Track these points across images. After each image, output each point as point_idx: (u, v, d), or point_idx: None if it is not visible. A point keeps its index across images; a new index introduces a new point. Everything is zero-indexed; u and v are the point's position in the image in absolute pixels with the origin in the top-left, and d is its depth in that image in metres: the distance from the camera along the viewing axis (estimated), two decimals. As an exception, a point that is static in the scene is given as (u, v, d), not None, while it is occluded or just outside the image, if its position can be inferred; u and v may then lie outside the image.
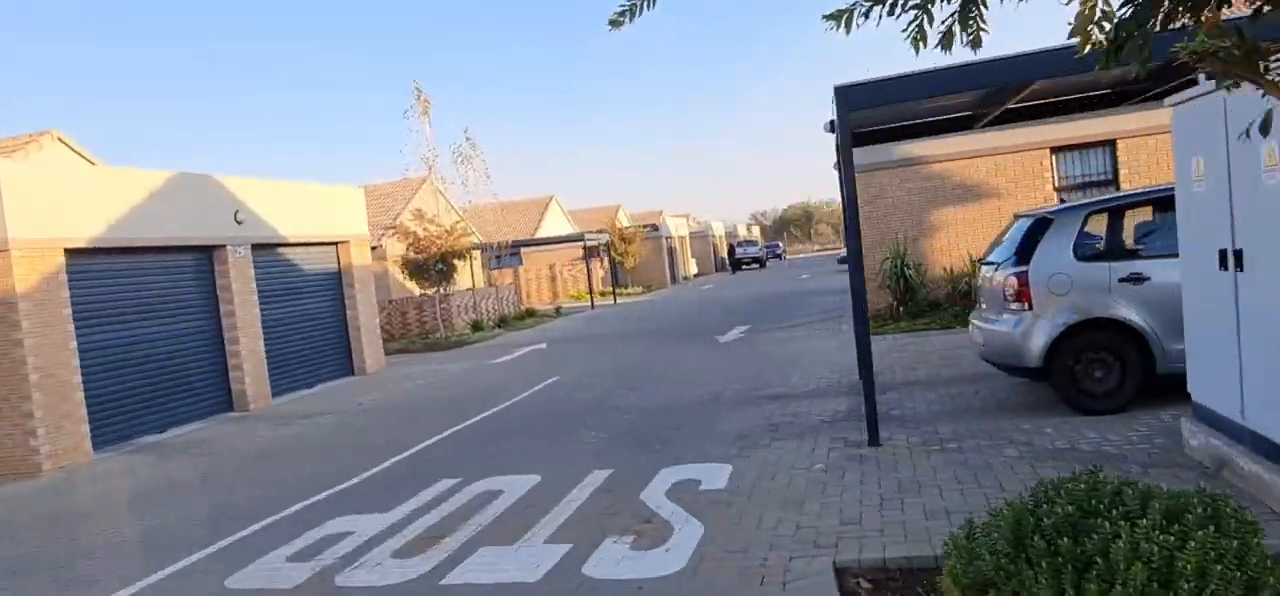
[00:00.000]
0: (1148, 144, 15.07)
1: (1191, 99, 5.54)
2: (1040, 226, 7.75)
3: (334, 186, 17.48)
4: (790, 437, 7.90)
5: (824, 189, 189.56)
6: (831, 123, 8.57)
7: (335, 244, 17.32)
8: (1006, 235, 8.91)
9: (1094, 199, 7.87)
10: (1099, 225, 7.52)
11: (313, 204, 16.61)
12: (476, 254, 30.38)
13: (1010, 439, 6.91)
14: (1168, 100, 5.79)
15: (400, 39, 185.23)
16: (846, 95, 7.06)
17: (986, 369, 9.99)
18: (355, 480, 8.31)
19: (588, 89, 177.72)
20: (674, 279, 49.80)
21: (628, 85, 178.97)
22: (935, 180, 15.93)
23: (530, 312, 30.50)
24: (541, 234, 45.66)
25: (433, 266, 23.35)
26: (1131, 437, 6.53)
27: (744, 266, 62.53)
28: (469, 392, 13.40)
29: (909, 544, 4.93)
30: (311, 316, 16.54)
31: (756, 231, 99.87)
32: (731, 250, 60.92)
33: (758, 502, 6.09)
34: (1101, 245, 7.46)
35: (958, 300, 15.08)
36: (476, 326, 26.02)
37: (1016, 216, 9.07)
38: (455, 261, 24.03)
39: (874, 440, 7.25)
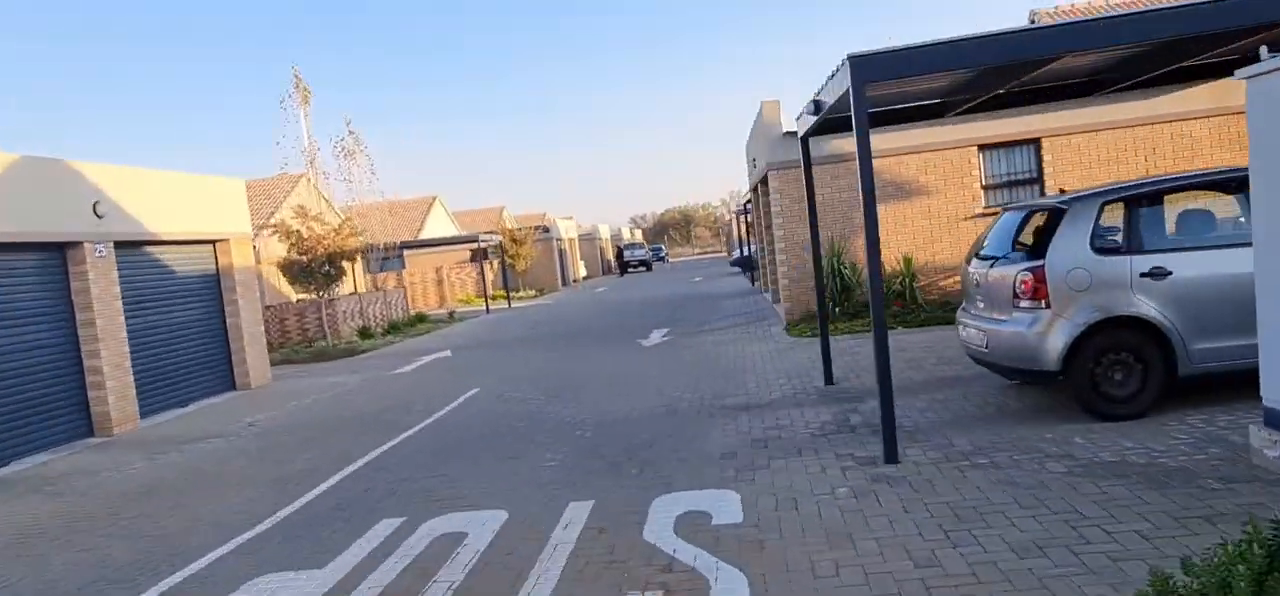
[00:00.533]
0: (1072, 142, 15.10)
1: (1272, 71, 4.96)
2: (1053, 217, 7.14)
3: (211, 177, 15.45)
4: (786, 455, 6.98)
5: (702, 193, 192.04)
6: (817, 103, 7.73)
7: (213, 242, 15.30)
8: (994, 229, 8.32)
9: (1108, 185, 7.33)
10: (1114, 216, 6.96)
11: (187, 196, 14.58)
12: (358, 257, 28.29)
13: (1042, 451, 6.22)
14: (1240, 72, 5.19)
15: (263, 33, 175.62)
16: (864, 66, 6.18)
17: (958, 372, 9.44)
18: (268, 522, 6.83)
19: (468, 91, 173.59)
20: (565, 281, 48.57)
21: (507, 88, 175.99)
22: (866, 177, 15.47)
23: (421, 318, 28.64)
24: (425, 235, 43.56)
25: (319, 269, 21.34)
26: (1177, 447, 5.94)
27: (631, 269, 61.95)
28: (380, 408, 11.88)
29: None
30: (186, 324, 14.50)
31: (639, 234, 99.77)
32: (619, 253, 60.17)
33: (793, 540, 5.11)
34: (1119, 237, 6.89)
35: (892, 301, 14.65)
36: (365, 333, 24.08)
37: (1005, 209, 8.50)
38: (344, 263, 22.07)
39: (892, 457, 6.42)
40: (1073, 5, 23.01)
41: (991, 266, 7.63)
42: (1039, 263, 6.93)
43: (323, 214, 23.06)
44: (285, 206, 27.24)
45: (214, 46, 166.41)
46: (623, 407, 9.89)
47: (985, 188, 15.43)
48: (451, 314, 29.77)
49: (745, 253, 40.58)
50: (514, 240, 40.46)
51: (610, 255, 66.56)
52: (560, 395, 11.26)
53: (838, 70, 6.67)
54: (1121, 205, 6.95)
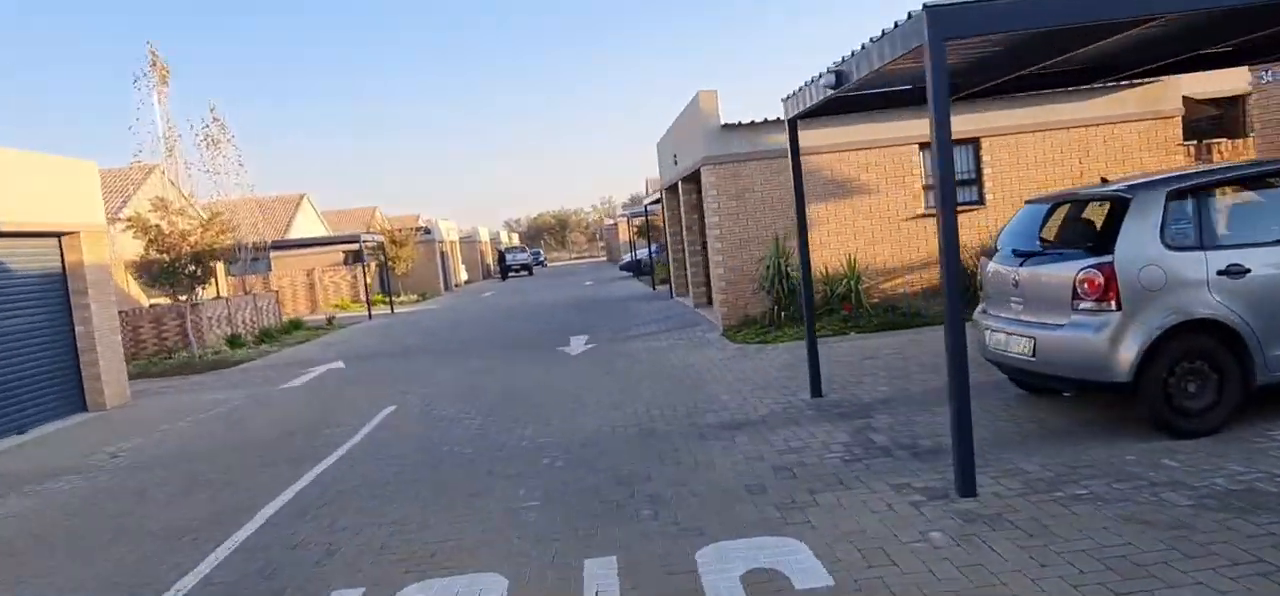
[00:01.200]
0: (1010, 143, 14.78)
1: None
2: (1116, 207, 6.30)
3: (58, 158, 12.95)
4: (829, 487, 5.83)
5: (574, 198, 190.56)
6: (839, 74, 6.61)
7: (59, 235, 12.81)
8: (1016, 223, 7.50)
9: (1174, 172, 6.57)
10: (1183, 207, 6.17)
11: (24, 179, 12.09)
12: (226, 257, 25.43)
13: (1140, 477, 5.32)
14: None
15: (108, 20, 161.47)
16: (947, 19, 5.08)
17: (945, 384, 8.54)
18: (168, 601, 5.10)
19: (333, 85, 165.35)
20: (447, 286, 46.21)
21: (375, 86, 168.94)
22: (806, 174, 14.64)
23: (296, 324, 26.05)
24: (293, 235, 40.35)
25: (183, 269, 18.74)
26: (1295, 469, 5.17)
27: (513, 273, 60.00)
28: (280, 431, 10.00)
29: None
30: (22, 333, 12.00)
31: (515, 238, 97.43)
32: (501, 257, 57.93)
33: (921, 610, 3.95)
34: (1191, 230, 6.12)
35: (840, 304, 13.85)
36: (235, 342, 21.48)
37: (1028, 202, 7.67)
38: (212, 264, 19.51)
39: (969, 488, 5.37)
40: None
41: (1030, 264, 6.75)
42: (1106, 258, 6.07)
43: (186, 208, 20.38)
44: (138, 198, 24.17)
45: (50, 15, 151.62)
46: (586, 427, 8.51)
47: (926, 187, 14.90)
48: (330, 320, 27.27)
49: (636, 257, 39.71)
50: (394, 242, 37.94)
51: (491, 258, 64.30)
52: (499, 412, 9.74)
53: (898, 27, 5.56)
54: (1190, 195, 6.18)
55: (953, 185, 5.33)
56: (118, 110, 69.11)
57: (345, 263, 47.31)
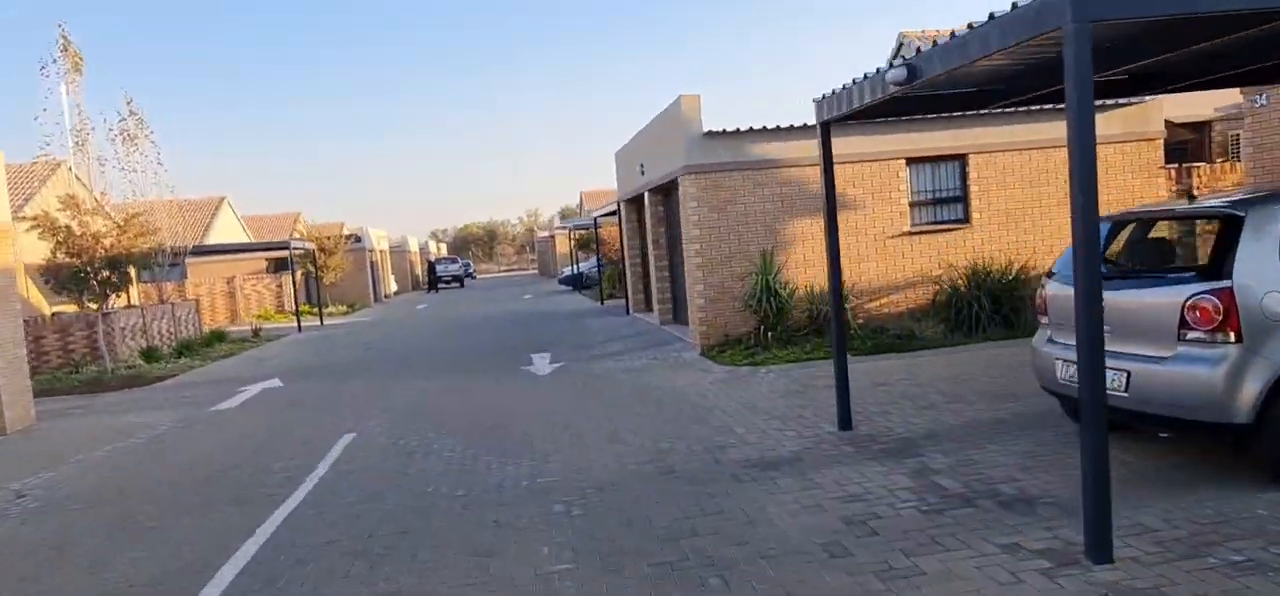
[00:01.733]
0: (995, 160, 14.33)
1: None
2: (1227, 226, 5.61)
3: (-49, 143, 11.21)
4: (925, 549, 4.93)
5: (501, 210, 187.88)
6: (911, 68, 5.76)
7: (-48, 233, 11.11)
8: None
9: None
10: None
11: (-89, 167, 10.39)
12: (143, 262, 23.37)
13: (1293, 539, 4.59)
14: None
15: None
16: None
17: (990, 412, 7.80)
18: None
19: (253, 85, 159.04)
20: (377, 297, 44.23)
21: (297, 86, 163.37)
22: (791, 187, 13.91)
23: (219, 336, 24.10)
24: (213, 240, 37.94)
25: (97, 274, 16.90)
26: None
27: (444, 284, 58.12)
28: (220, 465, 8.63)
29: None
30: (-94, 347, 10.29)
31: (443, 249, 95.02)
32: (431, 267, 55.81)
33: None
34: (1312, 253, 5.46)
35: (823, 324, 13.10)
36: (151, 355, 19.60)
37: (1105, 218, 6.95)
38: (129, 269, 17.69)
39: (1104, 555, 4.53)
40: (937, 31, 23.00)
41: (1118, 287, 6.01)
42: (1223, 284, 5.36)
43: (99, 208, 18.49)
44: (42, 196, 22.03)
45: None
46: (593, 464, 7.45)
47: (913, 204, 14.32)
48: (256, 331, 25.38)
49: (578, 270, 38.67)
50: (323, 249, 35.98)
51: (420, 269, 62.13)
52: (481, 443, 8.60)
53: (1027, 6, 4.72)
54: (1306, 212, 5.53)
55: (1094, 198, 4.51)
56: (20, 95, 64.53)
57: (269, 271, 44.98)
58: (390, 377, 14.38)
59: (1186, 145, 17.69)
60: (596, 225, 29.16)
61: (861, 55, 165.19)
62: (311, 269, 35.05)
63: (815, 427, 8.11)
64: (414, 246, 61.26)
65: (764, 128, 13.75)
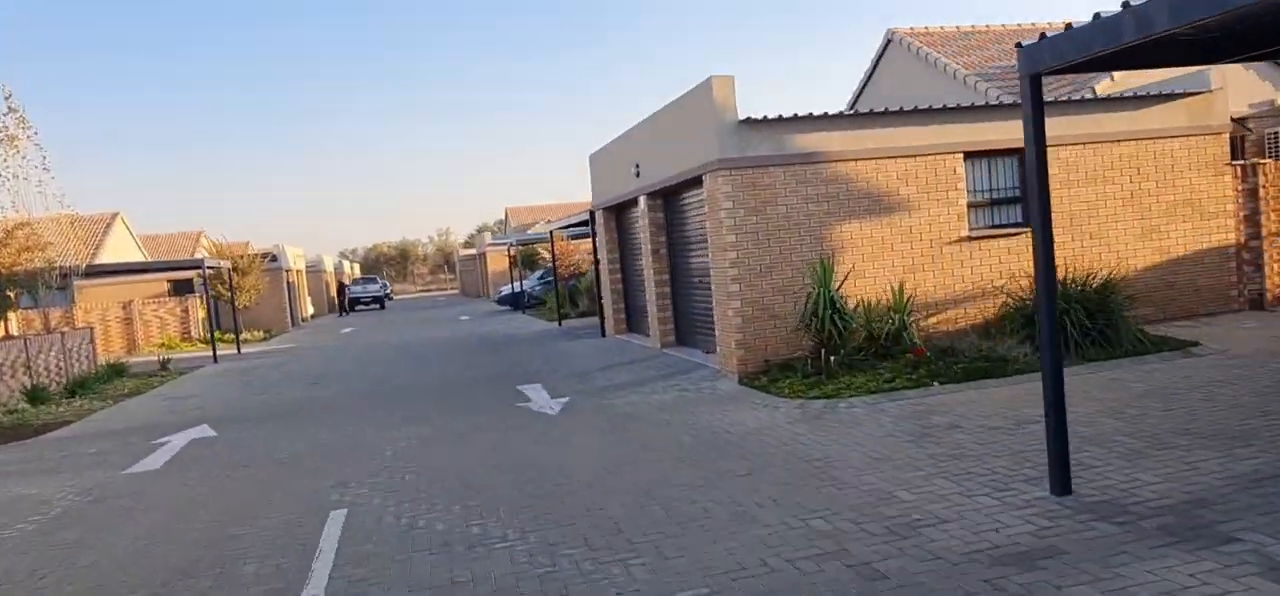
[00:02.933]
0: (1059, 156, 12.62)
1: None
2: None
3: None
4: None
5: (411, 229, 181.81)
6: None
7: None
8: None
9: None
10: None
11: None
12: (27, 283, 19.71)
13: None
14: None
15: None
16: None
17: (1245, 466, 5.85)
18: None
19: (147, 94, 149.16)
20: (294, 320, 40.46)
21: (192, 100, 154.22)
22: (839, 185, 11.87)
23: (117, 370, 20.56)
24: (104, 258, 33.75)
25: (-33, 298, 13.58)
26: None
27: (362, 306, 54.31)
28: (161, 569, 5.94)
29: None
30: None
31: (356, 269, 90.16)
32: (341, 288, 51.54)
33: None
34: None
35: (911, 348, 11.06)
36: (37, 396, 16.22)
37: None
38: (9, 293, 14.38)
39: None
40: (927, 29, 21.61)
41: None
42: None
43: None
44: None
45: None
46: (744, 565, 5.12)
47: (971, 205, 12.48)
48: (165, 363, 21.85)
49: (520, 288, 36.09)
50: (237, 269, 32.31)
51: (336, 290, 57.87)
52: (543, 525, 6.16)
53: None
54: None
55: None
56: None
57: (169, 294, 40.81)
58: (358, 421, 11.67)
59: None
60: (552, 238, 26.67)
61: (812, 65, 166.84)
62: (222, 291, 31.36)
63: (1016, 492, 5.98)
64: (329, 266, 57.11)
65: (810, 115, 11.70)
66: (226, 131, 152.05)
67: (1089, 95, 14.79)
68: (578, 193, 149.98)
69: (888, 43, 21.74)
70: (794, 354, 11.49)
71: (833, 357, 10.66)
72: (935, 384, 9.84)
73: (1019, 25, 21.78)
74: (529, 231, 48.75)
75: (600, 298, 19.99)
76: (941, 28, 21.64)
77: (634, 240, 17.37)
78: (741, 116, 11.51)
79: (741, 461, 7.52)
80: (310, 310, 47.40)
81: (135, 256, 39.89)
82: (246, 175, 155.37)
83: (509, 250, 38.53)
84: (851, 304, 11.35)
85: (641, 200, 15.44)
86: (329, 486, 7.96)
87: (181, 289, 40.17)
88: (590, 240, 34.24)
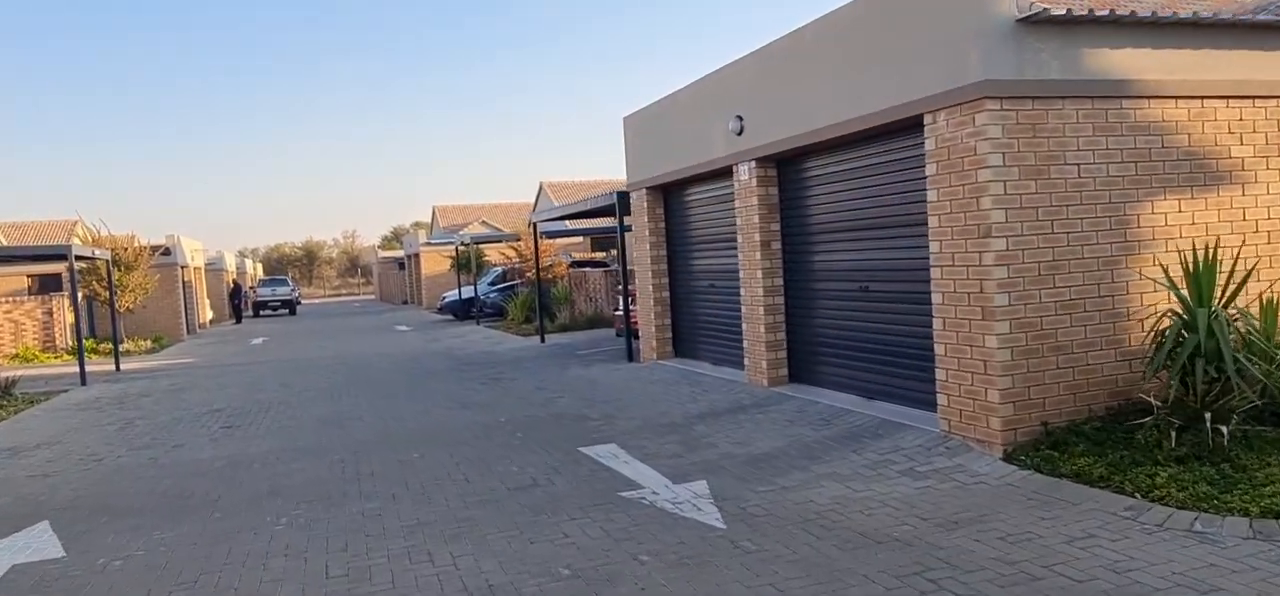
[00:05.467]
0: None
1: None
2: None
3: None
4: None
5: (316, 229, 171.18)
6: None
7: None
8: None
9: None
10: None
11: None
12: None
13: None
14: None
15: None
16: None
17: None
18: None
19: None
20: (190, 328, 33.84)
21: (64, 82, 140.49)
22: (1152, 136, 7.29)
23: (-63, 397, 14.46)
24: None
25: None
26: None
27: (269, 310, 47.44)
28: None
29: None
30: None
31: (259, 269, 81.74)
32: (237, 289, 43.93)
33: None
34: None
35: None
36: None
37: None
38: None
39: None
40: None
41: None
42: None
43: None
44: None
45: None
46: None
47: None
48: (7, 387, 15.67)
49: (474, 293, 30.77)
50: (119, 262, 25.89)
51: (247, 290, 50.46)
52: None
53: None
54: None
55: None
56: None
57: (31, 292, 33.71)
58: (327, 518, 6.43)
59: None
60: (535, 231, 21.44)
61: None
62: (99, 289, 24.90)
63: None
64: (231, 264, 49.95)
65: (1128, 17, 7.04)
66: (108, 124, 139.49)
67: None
68: (514, 190, 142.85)
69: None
70: (1088, 409, 6.87)
71: (1225, 428, 5.99)
72: None
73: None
74: (468, 230, 43.13)
75: (628, 310, 15.00)
76: None
77: (706, 229, 12.48)
78: (1023, 10, 6.80)
79: None
80: (210, 315, 40.56)
81: (-10, 245, 32.67)
82: (130, 166, 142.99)
83: (460, 248, 32.93)
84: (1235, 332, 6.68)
85: (743, 169, 10.57)
86: None
87: (51, 287, 33.17)
88: (560, 240, 29.06)
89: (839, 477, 6.80)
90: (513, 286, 29.45)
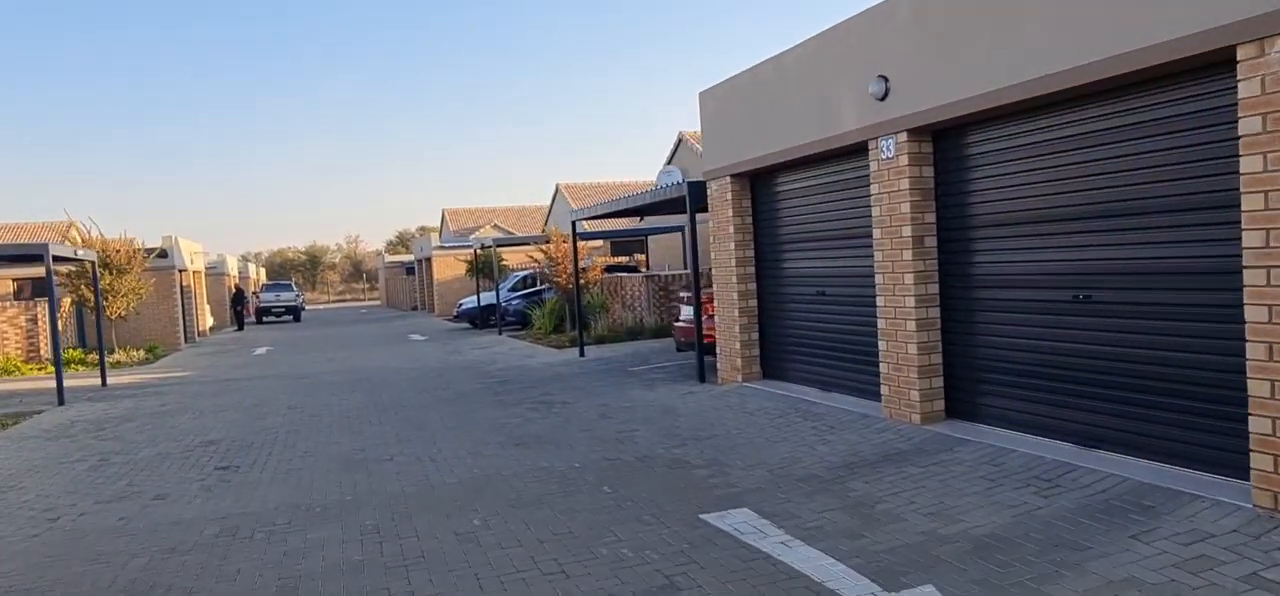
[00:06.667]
0: None
1: None
2: None
3: None
4: None
5: (320, 234, 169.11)
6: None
7: None
8: None
9: None
10: None
11: None
12: None
13: None
14: None
15: None
16: None
17: None
18: None
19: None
20: (189, 336, 31.57)
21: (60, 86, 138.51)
22: None
23: (-115, 420, 12.17)
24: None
25: None
26: None
27: (272, 317, 45.22)
28: None
29: None
30: None
31: (262, 273, 79.54)
32: (239, 294, 41.51)
33: None
34: None
35: None
36: None
37: None
38: None
39: None
40: None
41: None
42: None
43: None
44: None
45: None
46: None
47: None
48: (-29, 409, 13.40)
49: (478, 302, 28.54)
50: (110, 264, 23.65)
51: (249, 296, 48.16)
52: None
53: None
54: None
55: None
56: None
57: (21, 296, 31.56)
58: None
59: None
60: (573, 230, 19.15)
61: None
62: (87, 293, 22.64)
63: None
64: (233, 268, 47.64)
65: None
66: (112, 119, 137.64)
67: None
68: (523, 194, 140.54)
69: None
70: None
71: None
72: None
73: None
74: (481, 234, 40.95)
75: (700, 321, 12.67)
76: None
77: (812, 223, 10.15)
78: None
79: None
80: (211, 321, 38.27)
81: (-26, 246, 30.39)
82: (132, 169, 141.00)
83: (480, 251, 30.65)
84: None
85: (887, 143, 8.25)
86: None
87: (40, 291, 30.93)
88: (582, 243, 26.74)
89: (1143, 587, 4.47)
90: (537, 292, 27.18)
